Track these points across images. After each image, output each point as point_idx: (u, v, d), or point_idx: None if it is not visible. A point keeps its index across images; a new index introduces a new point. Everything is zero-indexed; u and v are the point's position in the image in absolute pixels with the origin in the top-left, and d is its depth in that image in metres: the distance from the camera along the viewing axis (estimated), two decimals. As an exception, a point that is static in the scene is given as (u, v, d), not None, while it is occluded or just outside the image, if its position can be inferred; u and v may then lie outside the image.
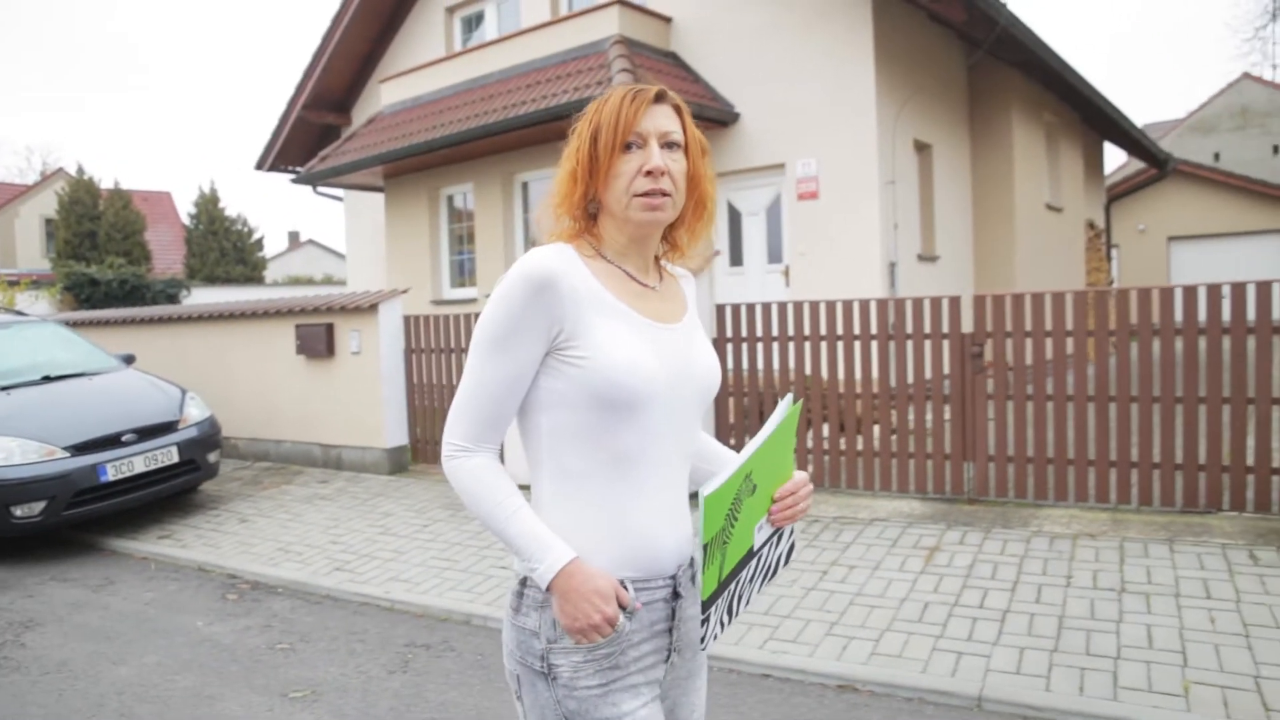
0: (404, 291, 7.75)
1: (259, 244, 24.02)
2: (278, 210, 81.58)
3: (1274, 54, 38.41)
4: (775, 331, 6.41)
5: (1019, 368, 5.53)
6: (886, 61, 9.10)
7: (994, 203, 11.03)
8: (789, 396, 1.53)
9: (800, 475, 1.58)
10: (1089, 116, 13.63)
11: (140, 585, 5.56)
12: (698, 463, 1.67)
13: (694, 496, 1.50)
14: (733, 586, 1.49)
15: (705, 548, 1.36)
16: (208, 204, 22.93)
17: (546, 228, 1.55)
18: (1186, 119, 22.70)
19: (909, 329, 5.84)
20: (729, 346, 6.58)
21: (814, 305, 6.22)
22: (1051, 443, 5.55)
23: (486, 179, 11.19)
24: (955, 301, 5.72)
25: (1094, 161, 15.77)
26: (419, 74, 11.77)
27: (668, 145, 1.48)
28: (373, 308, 7.46)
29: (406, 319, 7.72)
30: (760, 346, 6.47)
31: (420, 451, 7.82)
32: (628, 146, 1.46)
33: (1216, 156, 21.70)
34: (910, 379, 5.85)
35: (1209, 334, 5.17)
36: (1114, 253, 20.14)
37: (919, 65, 9.76)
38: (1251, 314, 5.03)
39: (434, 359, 7.70)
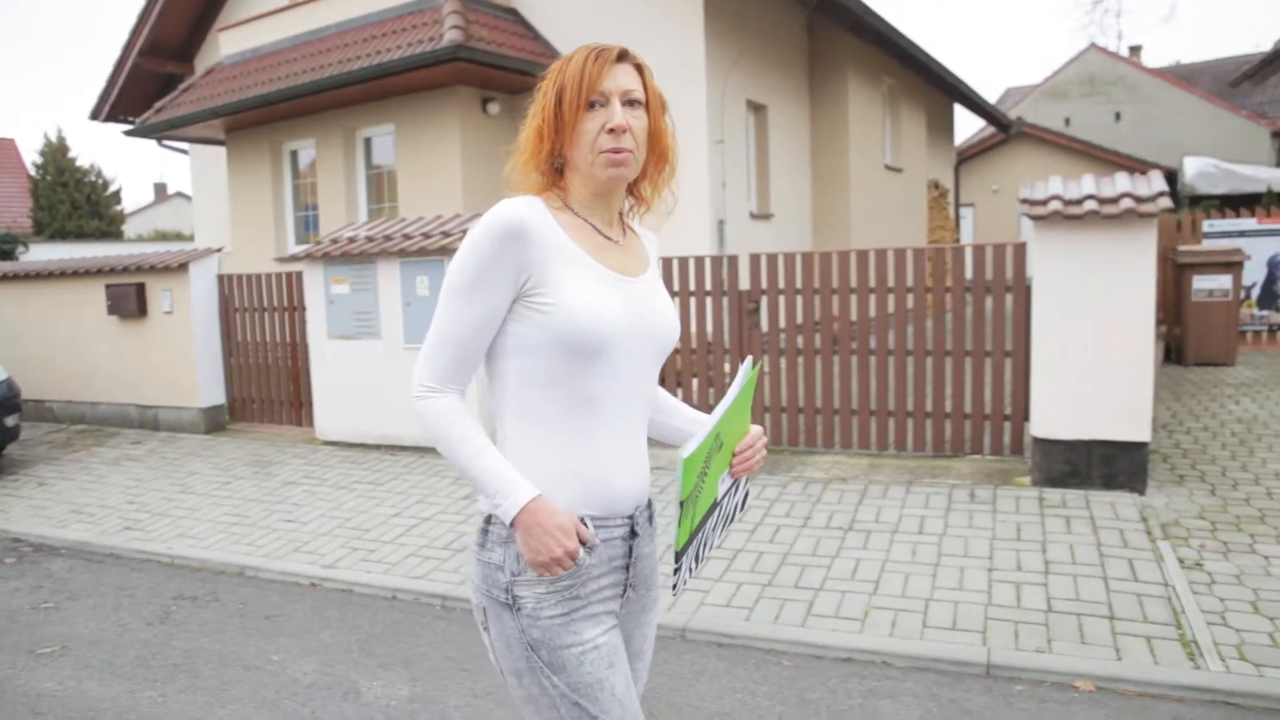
0: (218, 250, 7.66)
1: (116, 196, 22.90)
2: (145, 161, 76.94)
3: (1113, 26, 41.20)
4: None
5: (790, 322, 5.89)
6: (717, 23, 9.30)
7: (831, 163, 11.44)
8: (749, 360, 1.59)
9: (756, 429, 1.68)
10: (933, 80, 14.17)
11: (-84, 549, 5.48)
12: (654, 415, 1.73)
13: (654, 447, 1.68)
14: (699, 535, 1.59)
15: (681, 504, 1.46)
16: (55, 153, 21.64)
17: (515, 183, 1.58)
18: (1041, 85, 23.79)
19: (691, 286, 6.13)
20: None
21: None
22: (820, 394, 5.95)
23: (328, 134, 11.00)
24: (734, 261, 6.02)
25: (942, 124, 16.42)
26: (258, 24, 11.42)
27: (629, 103, 1.52)
28: (183, 267, 7.36)
29: (221, 278, 7.64)
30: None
31: (239, 410, 7.80)
32: (591, 105, 1.50)
33: (1068, 121, 22.83)
34: (694, 333, 6.16)
35: (954, 292, 5.60)
36: (969, 212, 21.05)
37: (752, 28, 10.00)
38: (990, 273, 5.48)
39: (254, 318, 7.66)
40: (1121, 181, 5.02)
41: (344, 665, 3.76)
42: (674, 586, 1.57)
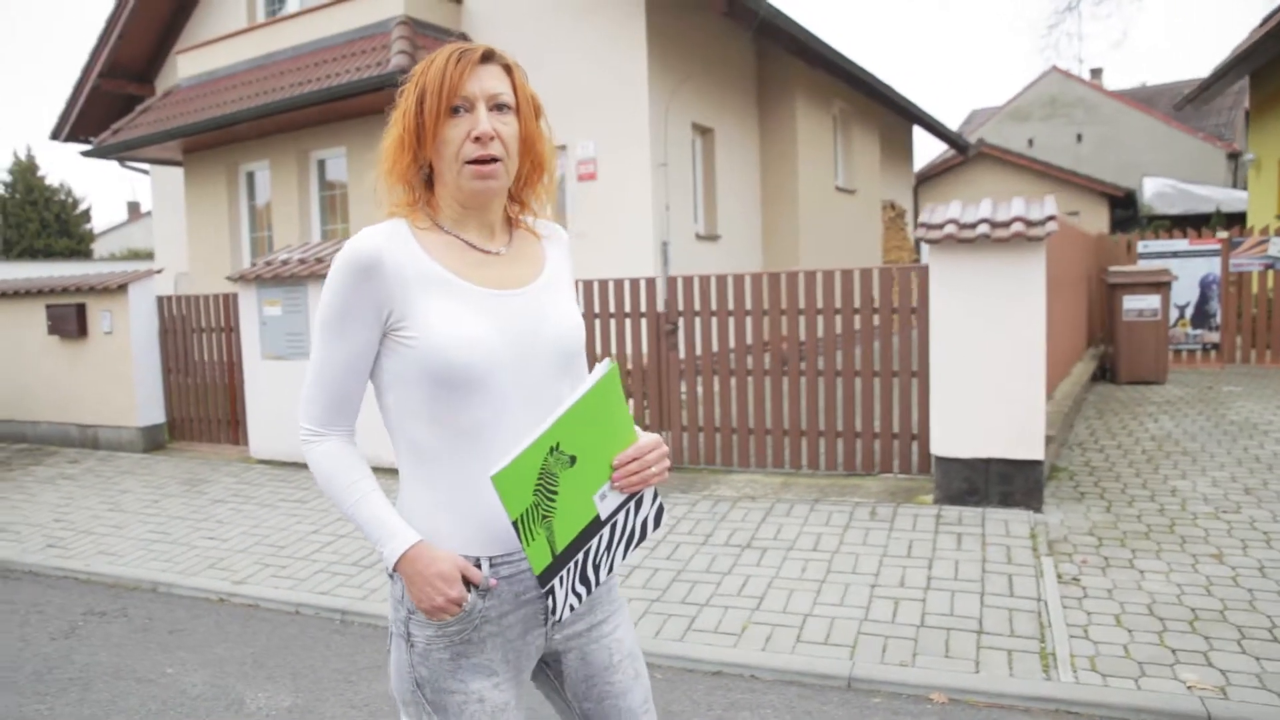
0: (158, 271, 7.77)
1: (85, 215, 22.94)
2: (120, 180, 76.54)
3: (1070, 49, 42.36)
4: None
5: (706, 344, 6.03)
6: (661, 47, 9.49)
7: (780, 185, 11.63)
8: (606, 360, 1.43)
9: (648, 439, 1.50)
10: (887, 103, 14.42)
11: None
12: None
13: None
14: (580, 558, 1.47)
15: (515, 525, 1.36)
16: (24, 172, 21.71)
17: (383, 197, 1.50)
18: (1004, 107, 24.20)
19: (611, 309, 6.27)
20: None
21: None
22: (735, 414, 6.08)
23: (283, 156, 11.13)
24: (651, 283, 6.16)
25: (900, 146, 16.69)
26: (214, 47, 11.57)
27: (497, 108, 1.43)
28: (122, 288, 7.46)
29: (160, 299, 7.74)
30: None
31: (178, 429, 7.88)
32: (454, 110, 1.41)
33: (1030, 142, 23.22)
34: (615, 354, 6.28)
35: (862, 313, 5.75)
36: (934, 232, 21.33)
37: (697, 53, 10.20)
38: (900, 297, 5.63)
39: (192, 338, 7.75)
40: (1017, 206, 5.19)
41: (234, 678, 3.84)
42: (552, 610, 1.48)
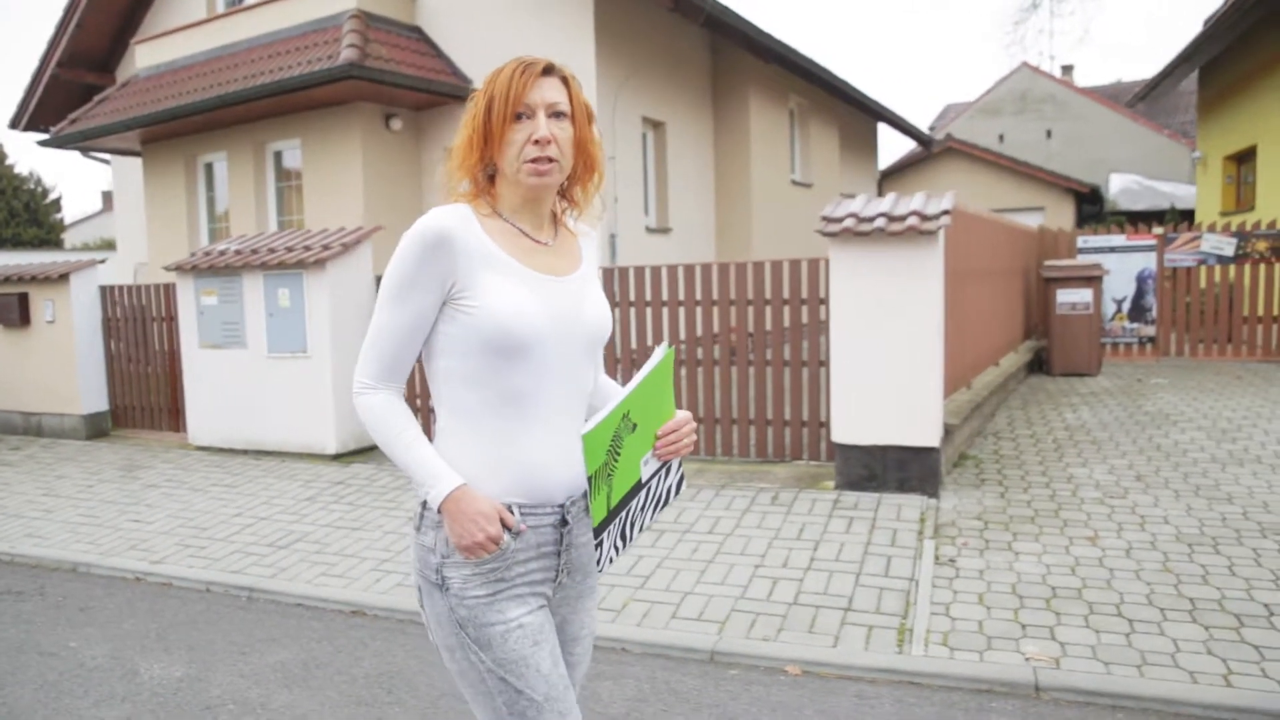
0: (101, 261, 7.88)
1: (56, 204, 22.96)
2: (96, 170, 75.81)
3: (1036, 45, 42.83)
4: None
5: (625, 336, 6.18)
6: (609, 43, 9.62)
7: (733, 179, 11.79)
8: (664, 344, 1.64)
9: (682, 414, 1.72)
10: (848, 99, 14.57)
11: None
12: (599, 403, 1.78)
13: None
14: (623, 515, 1.65)
15: (590, 480, 1.53)
16: (-8, 161, 21.80)
17: (448, 189, 1.67)
18: (976, 102, 24.39)
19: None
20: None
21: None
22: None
23: (239, 147, 11.22)
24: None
25: (863, 141, 16.85)
26: (173, 38, 11.63)
27: (555, 115, 1.60)
28: (64, 278, 7.57)
29: (104, 288, 7.85)
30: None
31: (122, 416, 8.01)
32: (518, 117, 1.58)
33: (1001, 138, 23.41)
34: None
35: (773, 305, 5.92)
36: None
37: (647, 47, 10.34)
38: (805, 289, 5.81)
39: (135, 327, 7.87)
40: (916, 201, 5.36)
41: (134, 651, 3.99)
42: (597, 562, 1.66)
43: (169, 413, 7.84)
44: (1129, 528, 4.77)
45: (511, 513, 1.61)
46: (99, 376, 7.87)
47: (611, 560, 1.67)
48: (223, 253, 7.09)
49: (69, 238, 25.01)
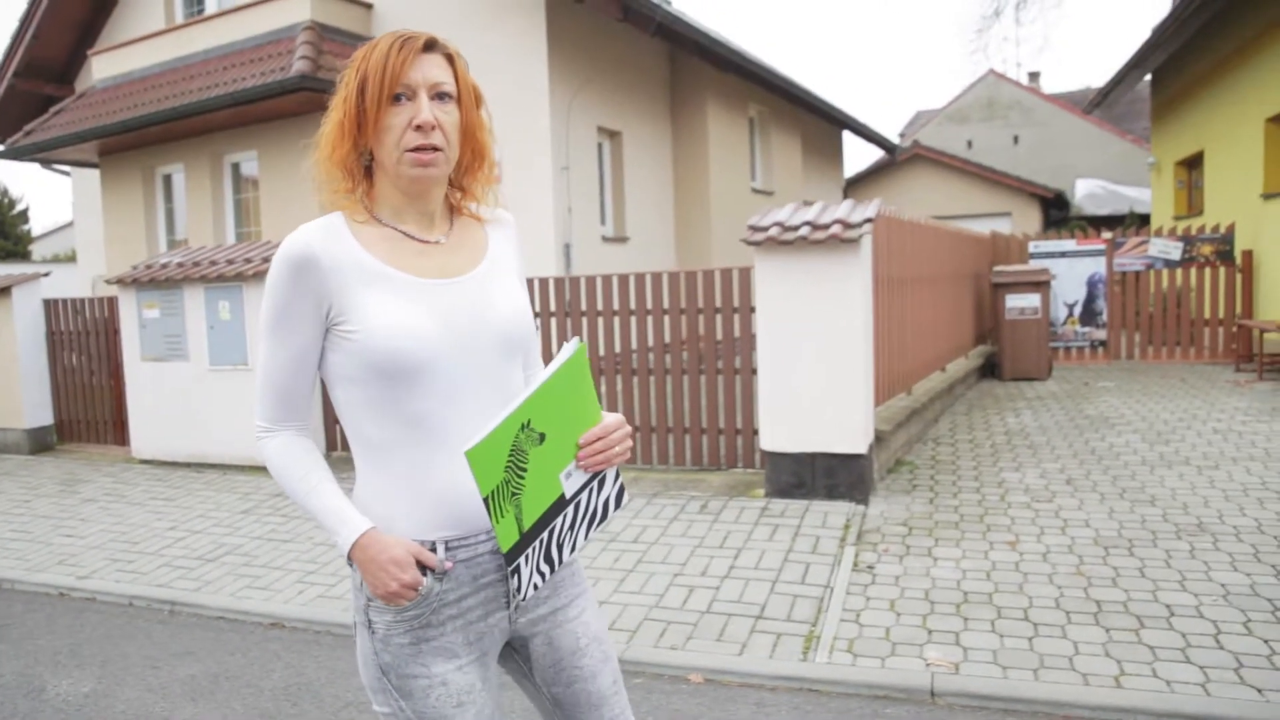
0: (45, 274, 7.86)
1: (23, 216, 22.84)
2: (67, 182, 75.27)
3: (1001, 53, 43.56)
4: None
5: (558, 345, 6.21)
6: (563, 53, 9.66)
7: (691, 187, 11.85)
8: (574, 340, 1.44)
9: (612, 419, 1.51)
10: (810, 107, 14.67)
11: None
12: None
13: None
14: (545, 536, 1.48)
15: (486, 501, 1.36)
16: (-42, 174, 21.66)
17: (320, 183, 1.49)
18: (944, 108, 24.62)
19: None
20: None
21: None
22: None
23: (196, 159, 11.20)
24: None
25: (826, 148, 16.97)
26: (129, 49, 11.61)
27: (439, 96, 1.44)
28: (5, 291, 7.54)
29: (48, 302, 7.83)
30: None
31: (67, 430, 7.98)
32: (396, 98, 1.41)
33: (970, 144, 23.63)
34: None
35: (705, 314, 5.96)
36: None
37: (602, 57, 10.38)
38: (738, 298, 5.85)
39: (78, 340, 7.85)
40: (842, 209, 5.41)
41: (45, 667, 3.97)
42: (517, 589, 1.48)
43: (114, 426, 7.81)
44: (1050, 531, 4.83)
45: (434, 551, 1.47)
46: (43, 390, 7.84)
47: (536, 588, 1.51)
48: (164, 265, 7.08)
49: (38, 249, 24.84)
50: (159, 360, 7.13)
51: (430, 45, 1.46)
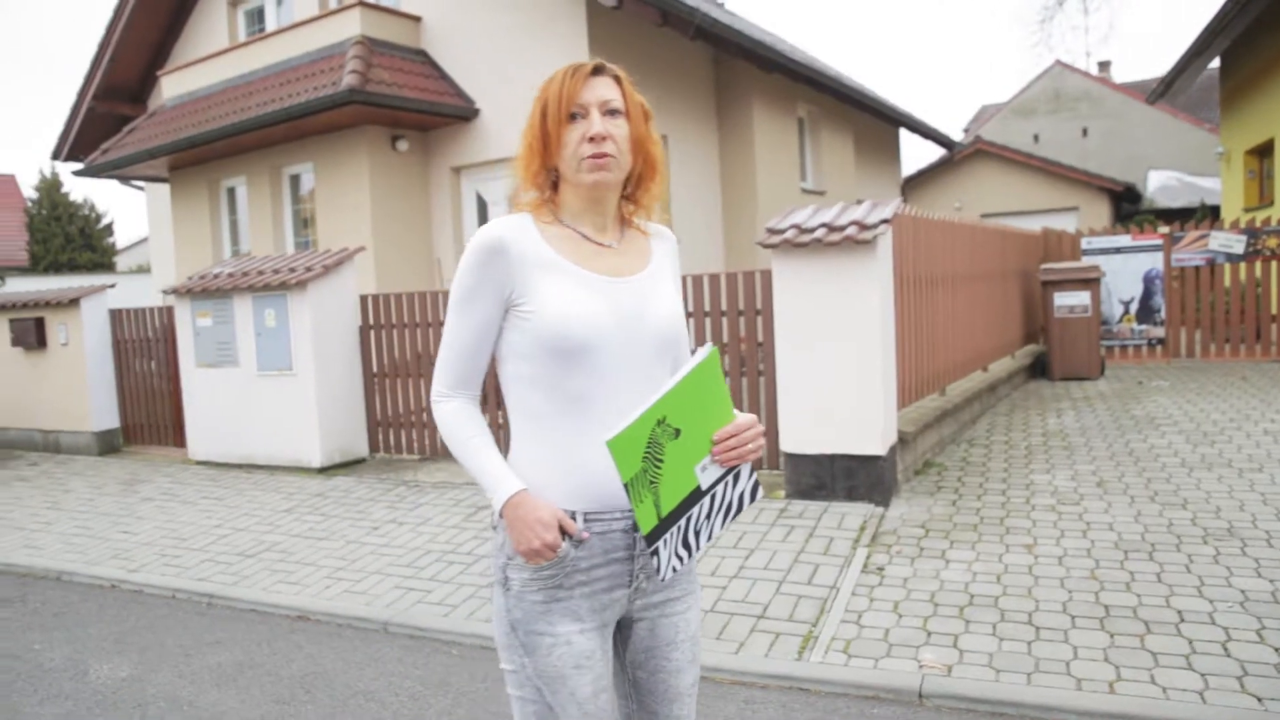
0: (111, 286, 8.31)
1: (108, 229, 23.99)
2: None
3: (1076, 43, 42.07)
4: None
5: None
6: (604, 59, 9.76)
7: (739, 189, 11.86)
8: (706, 345, 1.58)
9: (745, 418, 1.63)
10: (862, 105, 14.52)
11: None
12: None
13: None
14: (682, 523, 1.60)
15: (626, 487, 1.50)
16: (49, 189, 22.82)
17: (514, 200, 1.71)
18: (1009, 102, 24.01)
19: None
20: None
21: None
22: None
23: (257, 172, 11.66)
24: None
25: (882, 147, 16.75)
26: (195, 69, 12.15)
27: (609, 113, 1.62)
28: (74, 303, 8.01)
29: (114, 312, 8.28)
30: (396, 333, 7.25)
31: (132, 433, 8.43)
32: (572, 117, 1.61)
33: (1036, 138, 23.01)
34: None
35: (729, 316, 6.00)
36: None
37: (644, 62, 10.47)
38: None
39: (141, 347, 8.29)
40: (860, 210, 5.40)
41: (90, 653, 4.25)
42: (657, 570, 1.61)
43: (173, 429, 8.22)
44: (1071, 535, 4.75)
45: (575, 520, 1.62)
46: (110, 395, 8.31)
47: (675, 570, 1.64)
48: (216, 276, 7.43)
49: (122, 261, 26.11)
50: (212, 366, 7.49)
51: (599, 69, 1.66)
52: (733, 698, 3.47)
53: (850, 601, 4.15)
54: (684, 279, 6.20)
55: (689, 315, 6.06)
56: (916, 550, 4.69)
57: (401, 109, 9.78)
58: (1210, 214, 15.37)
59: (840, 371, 5.31)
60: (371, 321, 7.26)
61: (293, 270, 7.02)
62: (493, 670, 3.79)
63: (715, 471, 1.63)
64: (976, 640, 3.69)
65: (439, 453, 7.23)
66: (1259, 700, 3.09)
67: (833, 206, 5.64)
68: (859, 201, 5.69)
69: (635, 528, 1.64)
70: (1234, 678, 3.24)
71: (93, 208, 23.71)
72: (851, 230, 5.15)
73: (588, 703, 1.64)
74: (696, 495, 1.61)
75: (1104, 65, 25.77)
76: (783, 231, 5.37)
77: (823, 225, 5.29)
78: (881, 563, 4.56)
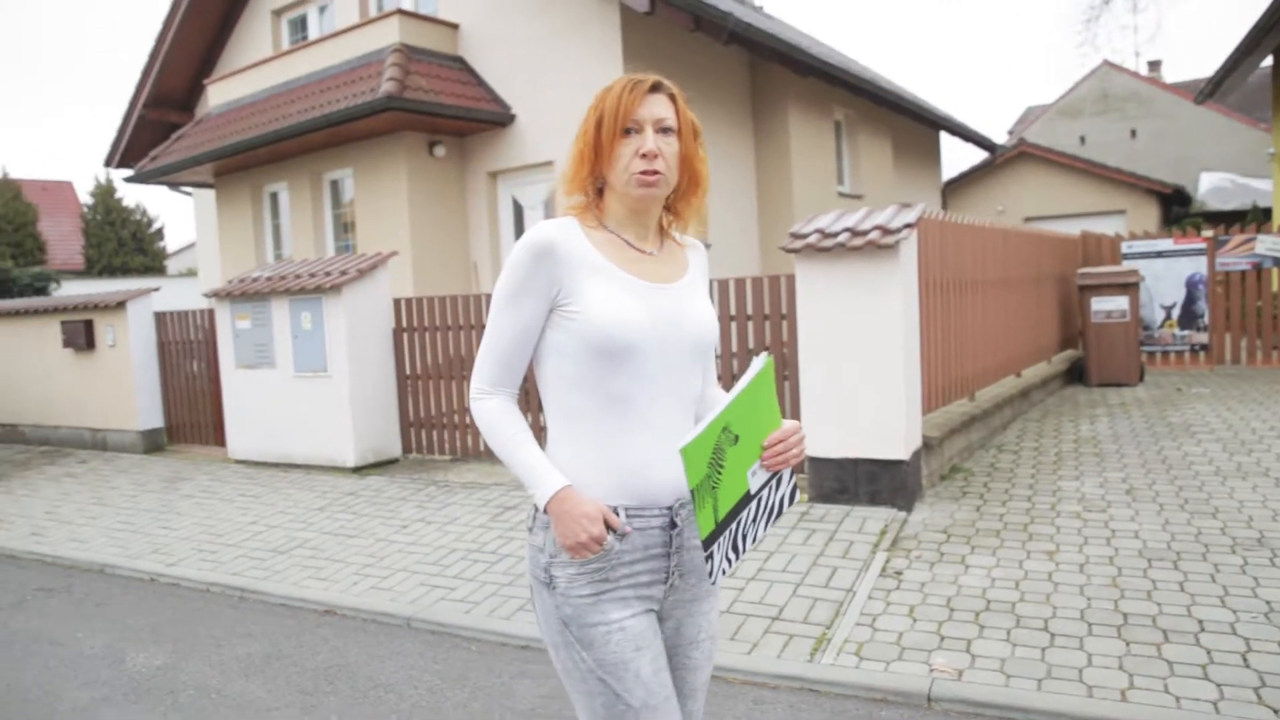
0: (155, 289, 8.58)
1: (159, 234, 24.69)
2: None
3: (1125, 42, 41.27)
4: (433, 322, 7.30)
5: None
6: (638, 64, 9.85)
7: (774, 193, 11.86)
8: (763, 354, 1.65)
9: (790, 424, 1.69)
10: (900, 108, 14.40)
11: None
12: (705, 414, 1.77)
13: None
14: (733, 527, 1.63)
15: (693, 493, 1.53)
16: (104, 194, 23.58)
17: (561, 200, 1.76)
18: (1055, 103, 23.60)
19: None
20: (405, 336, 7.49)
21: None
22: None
23: (298, 177, 11.93)
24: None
25: (922, 150, 16.61)
26: (240, 77, 12.46)
27: (662, 130, 1.67)
28: (121, 305, 8.29)
29: (159, 315, 8.55)
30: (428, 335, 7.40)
31: (176, 432, 8.69)
32: (627, 132, 1.65)
33: (1083, 139, 22.59)
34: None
35: (754, 320, 6.03)
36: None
37: (678, 67, 10.53)
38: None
39: (184, 349, 8.56)
40: (884, 215, 5.40)
41: (128, 642, 4.42)
42: (709, 573, 1.64)
43: (214, 428, 8.46)
44: (1095, 542, 4.70)
45: (617, 514, 1.65)
46: (155, 395, 8.58)
47: (725, 572, 1.66)
48: (254, 279, 7.64)
49: (172, 264, 26.82)
50: (250, 368, 7.70)
51: (656, 87, 1.70)
52: (742, 697, 3.51)
53: (866, 605, 4.16)
54: (711, 283, 6.24)
55: (731, 319, 6.10)
56: (936, 555, 4.68)
57: (439, 115, 9.95)
58: (1262, 216, 14.98)
59: (863, 376, 5.31)
60: (404, 324, 7.41)
61: (328, 274, 7.19)
62: (510, 666, 3.87)
63: (762, 476, 1.67)
64: (990, 645, 3.68)
65: (470, 454, 7.35)
66: (1275, 712, 3.05)
67: (857, 211, 5.64)
68: (905, 205, 5.69)
69: (672, 524, 1.70)
70: (1251, 689, 3.20)
71: (144, 213, 24.45)
72: (875, 235, 5.15)
73: (651, 681, 1.68)
74: (746, 499, 1.65)
75: (1154, 65, 25.25)
76: (806, 236, 5.38)
77: (846, 230, 5.30)
78: (900, 567, 4.56)
